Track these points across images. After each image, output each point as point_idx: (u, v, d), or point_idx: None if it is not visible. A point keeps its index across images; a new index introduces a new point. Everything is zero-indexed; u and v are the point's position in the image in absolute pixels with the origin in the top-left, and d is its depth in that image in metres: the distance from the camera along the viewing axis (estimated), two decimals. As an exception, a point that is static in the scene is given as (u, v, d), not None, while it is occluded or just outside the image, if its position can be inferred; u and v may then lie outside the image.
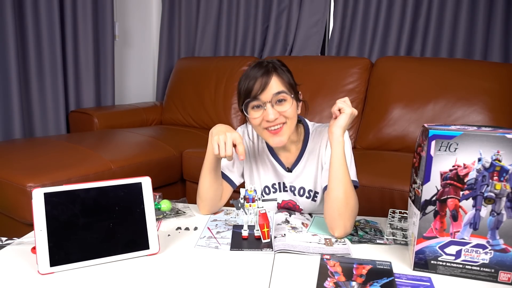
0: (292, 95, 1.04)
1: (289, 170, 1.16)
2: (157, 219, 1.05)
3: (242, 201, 0.96)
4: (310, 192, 1.14)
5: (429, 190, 0.77)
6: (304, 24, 2.59)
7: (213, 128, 1.05)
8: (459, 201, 0.76)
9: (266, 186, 1.18)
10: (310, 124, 1.18)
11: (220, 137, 1.00)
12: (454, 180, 0.76)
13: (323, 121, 2.17)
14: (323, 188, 1.07)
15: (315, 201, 1.14)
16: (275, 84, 1.03)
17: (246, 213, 0.96)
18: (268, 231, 0.92)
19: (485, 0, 2.13)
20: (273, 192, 1.18)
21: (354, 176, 1.06)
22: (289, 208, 1.18)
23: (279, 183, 1.17)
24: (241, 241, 0.94)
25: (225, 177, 1.19)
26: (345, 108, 0.99)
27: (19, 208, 1.44)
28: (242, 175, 1.23)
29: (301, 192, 1.14)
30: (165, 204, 1.09)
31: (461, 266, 0.78)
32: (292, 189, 1.15)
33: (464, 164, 0.75)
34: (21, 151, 1.74)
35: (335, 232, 0.97)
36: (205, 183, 1.11)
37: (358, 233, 0.98)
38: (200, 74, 2.65)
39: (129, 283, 0.75)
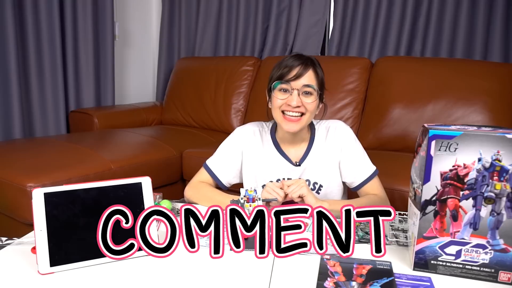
0: (318, 94, 1.11)
1: (298, 164, 1.20)
2: (157, 219, 1.05)
3: (242, 201, 0.96)
4: (315, 185, 1.18)
5: (429, 190, 0.77)
6: (304, 24, 2.59)
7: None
8: (459, 201, 0.76)
9: (271, 181, 1.19)
10: (314, 120, 1.24)
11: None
12: (454, 180, 0.76)
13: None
14: (354, 187, 1.20)
15: (318, 193, 1.19)
16: (309, 77, 1.10)
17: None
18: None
19: (485, 0, 2.13)
20: None
21: (371, 164, 1.20)
22: (292, 202, 1.18)
23: (283, 179, 1.19)
24: (241, 241, 0.94)
25: (212, 175, 1.23)
26: (302, 192, 1.03)
27: (19, 208, 1.44)
28: (236, 177, 1.25)
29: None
30: (165, 204, 1.09)
31: (461, 266, 0.78)
32: None
33: (464, 164, 0.75)
34: (21, 151, 1.74)
35: None
36: (207, 203, 1.13)
37: (358, 233, 0.98)
38: (200, 74, 2.65)
39: (129, 283, 0.75)
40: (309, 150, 1.20)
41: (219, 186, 1.25)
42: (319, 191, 1.19)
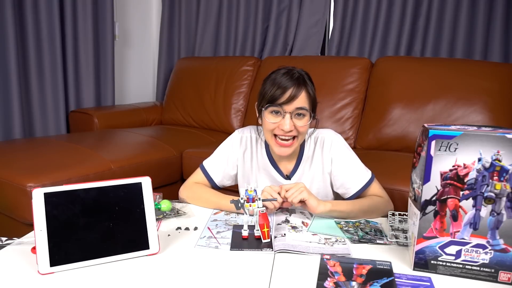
0: (311, 114, 1.09)
1: (288, 177, 1.19)
2: (157, 219, 1.05)
3: (242, 201, 0.96)
4: None
5: (429, 190, 0.77)
6: (304, 24, 2.59)
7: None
8: (459, 201, 0.76)
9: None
10: None
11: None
12: (454, 180, 0.76)
13: (323, 122, 2.18)
14: (350, 196, 1.16)
15: None
16: (302, 99, 1.07)
17: (246, 213, 0.96)
18: (268, 231, 0.92)
19: (485, 0, 2.13)
20: None
21: (365, 170, 1.17)
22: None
23: None
24: (241, 241, 0.94)
25: (207, 176, 1.23)
26: (303, 197, 1.01)
27: (19, 208, 1.44)
28: (230, 180, 1.25)
29: None
30: (165, 204, 1.09)
31: (461, 266, 0.78)
32: None
33: (464, 164, 0.75)
34: (21, 151, 1.74)
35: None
36: (204, 205, 1.17)
37: (358, 233, 0.98)
38: (200, 74, 2.65)
39: (129, 283, 0.75)
40: (299, 163, 1.18)
41: (213, 186, 1.26)
42: None
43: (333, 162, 1.17)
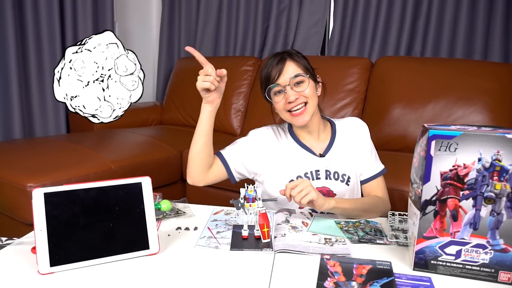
0: (309, 76, 1.13)
1: (322, 155, 1.21)
2: (157, 219, 1.05)
3: (242, 201, 0.96)
4: (344, 176, 1.20)
5: (429, 190, 0.77)
6: (304, 24, 2.59)
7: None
8: (459, 201, 0.76)
9: (299, 176, 1.18)
10: (332, 119, 1.28)
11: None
12: (454, 180, 0.76)
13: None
14: (362, 180, 1.23)
15: (348, 185, 1.20)
16: (291, 68, 1.12)
17: (246, 213, 0.96)
18: (268, 231, 0.92)
19: (485, 0, 2.13)
20: None
21: (379, 164, 1.25)
22: (323, 194, 1.15)
23: (311, 172, 1.19)
24: (241, 241, 0.94)
25: (221, 157, 1.22)
26: (312, 197, 1.00)
27: (19, 208, 1.44)
28: (243, 169, 1.22)
29: (336, 176, 1.20)
30: (165, 204, 1.09)
31: (461, 266, 0.78)
32: (328, 173, 1.19)
33: (464, 164, 0.75)
34: (21, 151, 1.74)
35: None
36: (195, 147, 1.18)
37: (358, 233, 0.98)
38: (200, 74, 2.64)
39: (129, 283, 0.75)
40: (333, 142, 1.22)
41: (228, 174, 1.22)
42: (348, 183, 1.20)
43: (360, 145, 1.22)
